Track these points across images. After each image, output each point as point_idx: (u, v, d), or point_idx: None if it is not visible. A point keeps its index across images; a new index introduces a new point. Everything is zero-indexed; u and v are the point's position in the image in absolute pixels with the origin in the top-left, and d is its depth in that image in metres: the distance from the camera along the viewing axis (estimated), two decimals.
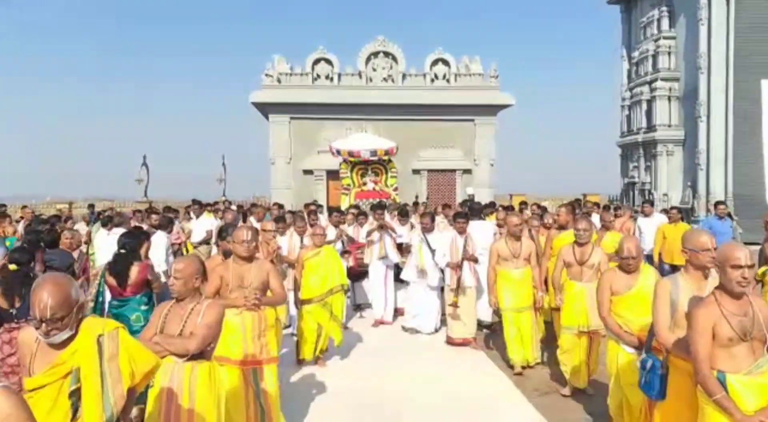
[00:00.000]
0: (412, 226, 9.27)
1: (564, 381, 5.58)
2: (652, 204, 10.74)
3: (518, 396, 5.57)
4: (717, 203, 10.16)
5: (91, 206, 18.11)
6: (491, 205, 10.36)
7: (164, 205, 21.33)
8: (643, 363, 3.51)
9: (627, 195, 23.29)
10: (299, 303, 6.41)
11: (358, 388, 5.77)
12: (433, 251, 7.65)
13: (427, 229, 7.88)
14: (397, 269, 8.72)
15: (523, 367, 6.27)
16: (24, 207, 14.26)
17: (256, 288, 4.31)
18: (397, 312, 8.77)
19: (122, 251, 5.30)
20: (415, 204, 13.35)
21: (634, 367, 3.97)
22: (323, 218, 10.17)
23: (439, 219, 9.76)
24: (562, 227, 6.94)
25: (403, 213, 9.41)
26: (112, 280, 5.24)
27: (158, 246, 7.46)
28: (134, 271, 5.18)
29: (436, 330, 7.87)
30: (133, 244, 5.37)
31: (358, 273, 8.92)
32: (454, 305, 7.14)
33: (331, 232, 8.39)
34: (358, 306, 9.18)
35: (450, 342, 7.32)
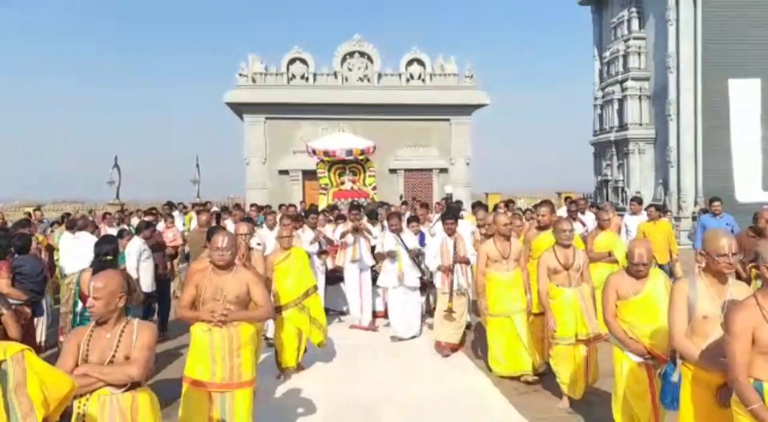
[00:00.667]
0: (383, 227, 8.85)
1: (559, 393, 5.27)
2: (640, 202, 10.19)
3: (497, 395, 5.55)
4: (712, 200, 9.29)
5: (38, 209, 15.96)
6: (478, 204, 10.23)
7: (136, 207, 21.03)
8: (662, 373, 3.42)
9: (600, 192, 23.65)
10: (275, 310, 6.08)
11: (337, 392, 5.71)
12: (410, 251, 7.52)
13: (397, 230, 7.67)
14: (374, 273, 8.42)
15: (529, 382, 5.81)
16: None
17: (230, 301, 3.88)
18: (376, 316, 8.56)
19: (109, 257, 5.06)
20: (404, 203, 13.05)
21: (641, 376, 3.88)
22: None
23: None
24: (543, 227, 6.40)
25: (373, 216, 9.11)
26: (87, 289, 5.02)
27: (131, 253, 7.17)
28: None
29: (419, 333, 7.66)
30: (116, 250, 5.19)
31: (333, 278, 8.64)
32: (449, 311, 6.79)
33: (309, 234, 8.18)
34: (327, 311, 8.75)
35: (439, 346, 6.94)
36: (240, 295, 3.93)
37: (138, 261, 7.16)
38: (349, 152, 12.85)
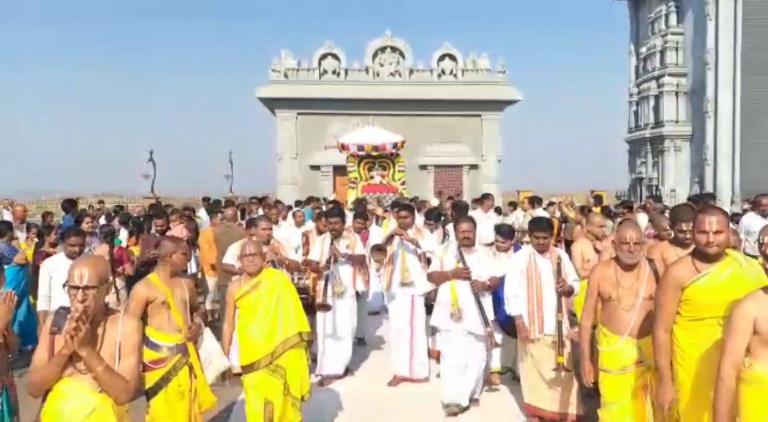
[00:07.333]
0: (446, 235, 6.66)
1: None
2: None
3: None
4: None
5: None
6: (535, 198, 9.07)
7: (171, 200, 21.42)
8: None
9: (634, 190, 23.27)
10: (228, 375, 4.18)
11: None
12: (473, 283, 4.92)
13: (468, 244, 4.99)
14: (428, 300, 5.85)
15: None
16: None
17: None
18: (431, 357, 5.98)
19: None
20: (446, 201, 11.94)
21: None
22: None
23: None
24: (682, 243, 3.98)
25: (434, 217, 6.88)
26: None
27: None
28: None
29: (475, 400, 5.14)
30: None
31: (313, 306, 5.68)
32: (560, 367, 4.40)
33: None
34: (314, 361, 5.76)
35: (535, 414, 4.69)
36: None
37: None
38: (377, 147, 12.89)
